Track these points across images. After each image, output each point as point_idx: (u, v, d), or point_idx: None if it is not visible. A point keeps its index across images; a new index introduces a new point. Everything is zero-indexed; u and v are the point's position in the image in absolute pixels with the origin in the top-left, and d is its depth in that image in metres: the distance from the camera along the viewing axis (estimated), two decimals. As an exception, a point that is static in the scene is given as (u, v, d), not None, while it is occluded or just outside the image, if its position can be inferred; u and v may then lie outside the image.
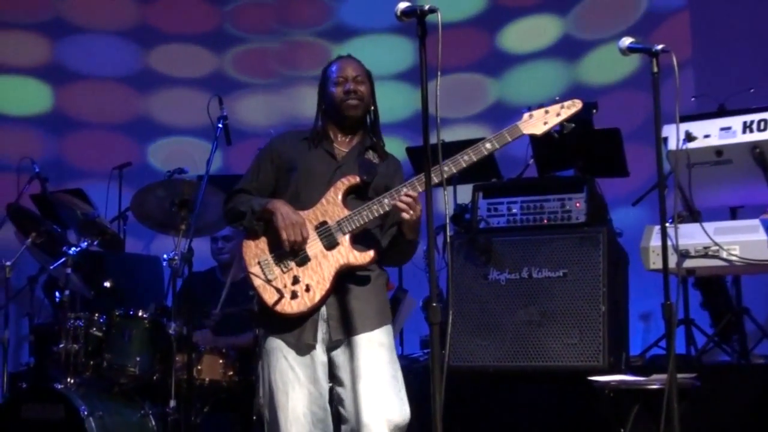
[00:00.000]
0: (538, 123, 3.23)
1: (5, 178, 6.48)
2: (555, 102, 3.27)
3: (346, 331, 3.25)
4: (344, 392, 3.25)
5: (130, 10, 8.28)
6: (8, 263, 5.01)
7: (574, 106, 3.24)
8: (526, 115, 3.25)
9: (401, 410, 3.21)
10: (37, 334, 5.95)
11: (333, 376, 3.31)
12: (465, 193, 5.19)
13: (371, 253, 3.23)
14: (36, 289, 6.10)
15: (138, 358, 4.60)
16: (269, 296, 3.23)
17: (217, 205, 4.68)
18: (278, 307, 3.22)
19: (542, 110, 3.25)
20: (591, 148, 5.08)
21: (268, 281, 3.24)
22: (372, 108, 3.44)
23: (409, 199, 3.12)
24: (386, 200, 3.19)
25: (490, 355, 4.65)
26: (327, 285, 3.21)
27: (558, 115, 3.23)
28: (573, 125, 3.27)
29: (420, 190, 3.14)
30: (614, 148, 5.18)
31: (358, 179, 3.30)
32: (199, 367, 4.73)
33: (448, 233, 3.23)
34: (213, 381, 4.80)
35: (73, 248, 4.82)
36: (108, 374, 4.63)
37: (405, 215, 3.12)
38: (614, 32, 7.07)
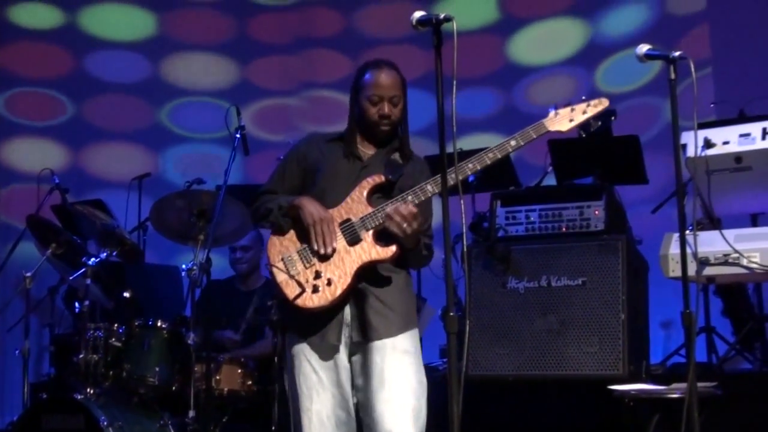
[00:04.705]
0: (563, 120, 3.22)
1: (26, 189, 6.53)
2: (582, 101, 3.25)
3: (367, 335, 3.24)
4: (364, 398, 3.24)
5: (147, 19, 8.31)
6: (28, 274, 5.03)
7: (600, 105, 3.24)
8: (552, 113, 3.23)
9: (421, 415, 3.22)
10: (58, 345, 5.98)
11: (352, 383, 3.31)
12: (483, 201, 5.17)
13: (393, 248, 3.22)
14: (56, 299, 6.13)
15: (157, 369, 4.61)
16: (291, 291, 3.23)
17: (236, 214, 4.71)
18: (299, 301, 3.21)
19: (568, 108, 3.24)
20: (610, 155, 5.06)
21: (291, 276, 3.24)
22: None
23: (403, 213, 3.12)
24: (410, 197, 3.19)
25: (509, 364, 4.63)
26: (349, 280, 3.20)
27: (584, 112, 3.22)
28: (600, 123, 3.25)
29: (416, 202, 3.15)
30: (633, 155, 5.16)
31: (383, 178, 3.29)
32: (218, 377, 4.74)
33: (465, 242, 3.21)
34: (232, 391, 4.81)
35: (93, 259, 4.83)
36: (127, 384, 4.64)
37: (394, 229, 3.13)
38: (632, 39, 7.04)
